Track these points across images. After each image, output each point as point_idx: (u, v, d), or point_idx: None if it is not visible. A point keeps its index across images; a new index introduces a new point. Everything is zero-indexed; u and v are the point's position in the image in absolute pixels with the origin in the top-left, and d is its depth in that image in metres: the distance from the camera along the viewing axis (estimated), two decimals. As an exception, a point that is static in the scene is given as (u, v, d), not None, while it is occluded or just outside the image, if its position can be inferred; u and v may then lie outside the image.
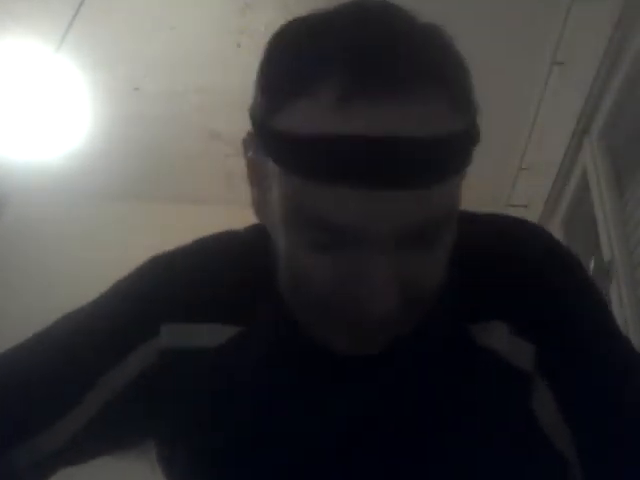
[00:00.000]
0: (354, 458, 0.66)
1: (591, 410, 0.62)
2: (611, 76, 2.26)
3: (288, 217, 0.56)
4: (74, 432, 0.67)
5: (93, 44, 2.64)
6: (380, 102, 0.51)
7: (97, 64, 2.74)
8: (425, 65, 0.53)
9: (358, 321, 0.57)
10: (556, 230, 2.76)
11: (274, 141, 0.55)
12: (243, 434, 0.67)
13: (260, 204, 0.63)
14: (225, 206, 3.39)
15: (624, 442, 0.61)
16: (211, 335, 0.67)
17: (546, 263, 0.67)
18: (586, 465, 0.61)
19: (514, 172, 2.89)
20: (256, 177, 0.62)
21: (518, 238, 0.69)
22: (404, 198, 0.52)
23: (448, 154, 0.53)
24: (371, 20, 0.55)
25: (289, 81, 0.54)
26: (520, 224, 0.72)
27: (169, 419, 0.69)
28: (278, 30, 0.60)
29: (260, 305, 0.67)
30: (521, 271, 0.66)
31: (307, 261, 0.56)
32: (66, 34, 2.50)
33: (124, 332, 0.68)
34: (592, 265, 2.35)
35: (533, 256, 0.67)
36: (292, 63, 0.55)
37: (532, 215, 2.88)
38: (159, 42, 2.63)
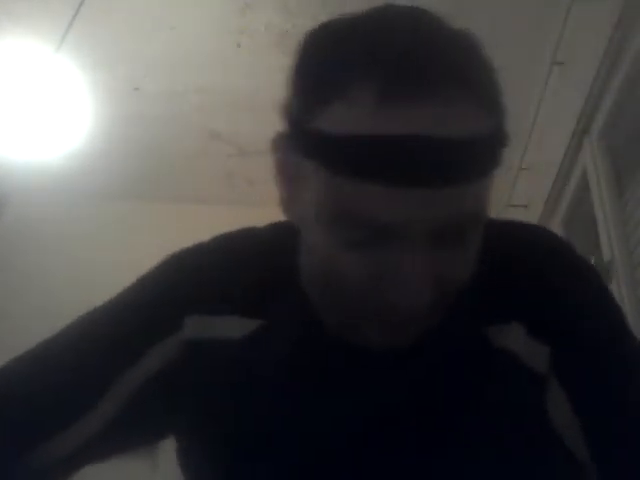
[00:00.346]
0: (370, 458, 0.66)
1: (602, 411, 0.63)
2: (611, 76, 2.26)
3: (323, 215, 0.57)
4: (96, 431, 0.67)
5: (93, 44, 2.64)
6: (409, 105, 0.53)
7: (97, 64, 2.74)
8: (451, 68, 0.55)
9: (391, 315, 0.59)
10: (556, 230, 2.76)
11: (311, 141, 0.57)
12: (261, 428, 0.68)
13: (289, 203, 0.63)
14: (225, 206, 3.39)
15: (635, 442, 0.61)
16: (233, 327, 0.69)
17: (558, 267, 0.69)
18: (599, 466, 0.62)
19: (514, 172, 2.89)
20: (286, 177, 0.63)
21: (531, 242, 0.71)
22: (434, 197, 0.54)
23: (474, 155, 0.55)
24: (398, 25, 0.58)
25: (324, 85, 0.57)
26: (532, 229, 0.75)
27: (187, 412, 0.70)
28: (308, 34, 0.61)
29: (280, 301, 0.69)
30: (534, 275, 0.67)
31: (341, 259, 0.58)
32: (66, 34, 2.50)
33: (147, 327, 0.69)
34: (592, 265, 2.34)
35: (545, 260, 0.69)
36: (325, 67, 0.57)
37: (532, 215, 2.88)
38: (159, 42, 2.63)
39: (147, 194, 3.41)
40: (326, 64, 0.57)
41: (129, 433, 0.70)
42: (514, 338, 0.66)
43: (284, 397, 0.68)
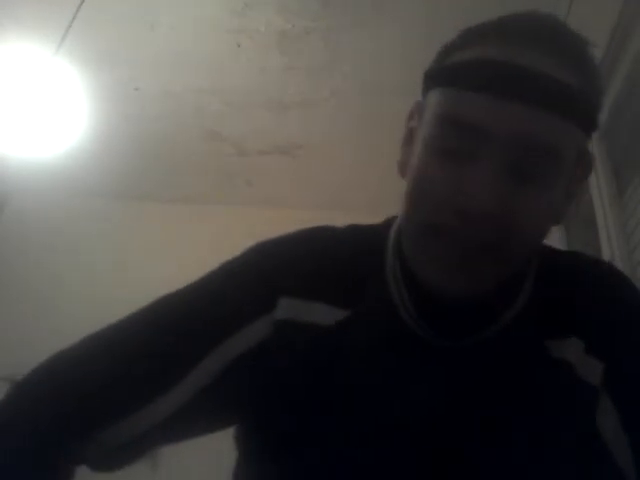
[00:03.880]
0: (433, 445, 0.70)
1: None
2: (611, 76, 2.26)
3: (434, 124, 0.68)
4: (180, 403, 0.70)
5: (93, 44, 2.64)
6: (525, 51, 0.66)
7: (97, 64, 2.74)
8: (566, 39, 0.68)
9: (460, 223, 0.65)
10: (556, 230, 2.76)
11: (443, 71, 0.70)
12: (344, 414, 0.71)
13: (406, 160, 0.73)
14: (225, 206, 3.39)
15: None
16: (323, 314, 0.73)
17: (620, 295, 0.76)
18: None
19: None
20: (412, 138, 0.73)
21: (594, 273, 0.79)
22: (524, 114, 0.64)
23: (566, 95, 0.66)
24: (523, 13, 0.71)
25: (460, 41, 0.71)
26: (599, 262, 0.84)
27: (267, 392, 0.72)
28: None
29: (365, 295, 0.74)
30: (596, 299, 0.74)
31: (432, 165, 0.67)
32: (66, 33, 2.50)
33: (242, 305, 0.74)
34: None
35: (606, 288, 0.76)
36: (462, 34, 0.72)
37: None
38: (159, 42, 2.63)
39: (147, 194, 3.41)
40: (462, 33, 0.72)
41: (211, 407, 0.72)
42: (572, 352, 0.71)
43: (360, 382, 0.71)
